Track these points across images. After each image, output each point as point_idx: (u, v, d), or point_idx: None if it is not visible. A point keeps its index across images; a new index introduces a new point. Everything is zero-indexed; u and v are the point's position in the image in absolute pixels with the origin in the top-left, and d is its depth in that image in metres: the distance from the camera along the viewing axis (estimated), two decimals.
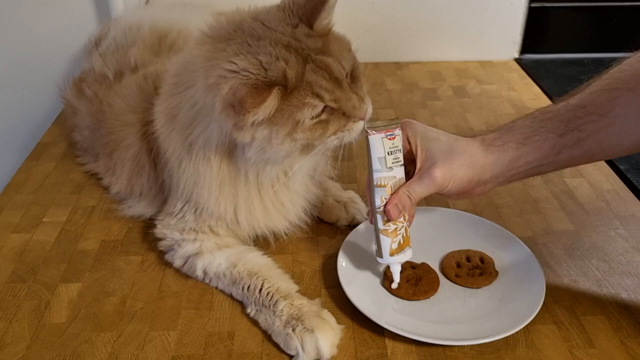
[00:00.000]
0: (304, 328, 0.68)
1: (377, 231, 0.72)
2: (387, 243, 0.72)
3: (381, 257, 0.73)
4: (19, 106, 1.39)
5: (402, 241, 0.72)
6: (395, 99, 1.31)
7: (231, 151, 0.75)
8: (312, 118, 0.68)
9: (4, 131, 1.40)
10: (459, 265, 0.79)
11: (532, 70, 1.44)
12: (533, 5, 1.45)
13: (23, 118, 1.39)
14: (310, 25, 0.70)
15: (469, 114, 1.24)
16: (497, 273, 0.78)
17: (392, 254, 0.72)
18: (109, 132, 0.93)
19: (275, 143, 0.69)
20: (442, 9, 1.43)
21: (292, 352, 0.68)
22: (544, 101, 1.29)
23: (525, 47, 1.51)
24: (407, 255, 0.73)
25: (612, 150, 0.74)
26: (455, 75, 1.42)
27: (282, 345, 0.69)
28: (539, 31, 1.49)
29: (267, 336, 0.71)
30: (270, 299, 0.72)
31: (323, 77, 0.68)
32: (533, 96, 1.32)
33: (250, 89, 0.64)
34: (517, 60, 1.50)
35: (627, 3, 1.47)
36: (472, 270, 0.78)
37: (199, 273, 0.78)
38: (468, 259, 0.80)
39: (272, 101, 0.65)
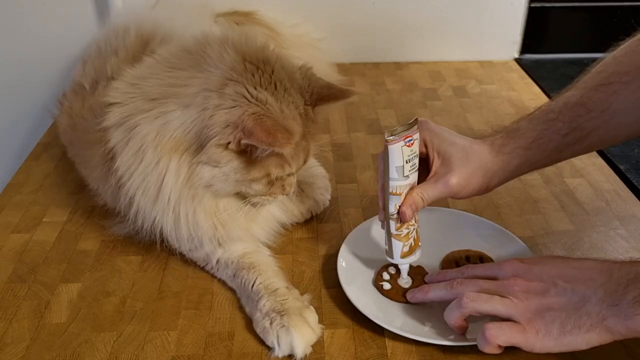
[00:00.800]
0: (281, 324, 0.68)
1: (389, 235, 0.73)
2: (399, 247, 0.73)
3: (392, 258, 0.74)
4: (19, 106, 1.38)
5: (413, 244, 0.74)
6: (395, 99, 1.31)
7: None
8: (275, 177, 0.73)
9: (4, 131, 1.40)
10: (458, 265, 0.79)
11: (532, 70, 1.44)
12: (533, 5, 1.45)
13: (23, 118, 1.38)
14: (313, 106, 0.75)
15: (469, 114, 1.24)
16: None
17: (403, 256, 0.74)
18: (84, 148, 0.89)
19: (239, 178, 0.71)
20: (442, 9, 1.43)
21: (269, 344, 0.68)
22: (544, 101, 1.28)
23: (525, 47, 1.51)
24: (416, 256, 0.75)
25: (610, 142, 0.78)
26: (455, 75, 1.42)
27: (260, 336, 0.70)
28: (539, 31, 1.49)
29: None
30: (257, 294, 0.73)
31: (302, 156, 0.76)
32: (533, 96, 1.32)
33: (275, 123, 0.67)
34: (517, 60, 1.50)
35: (627, 3, 1.47)
36: None
37: (214, 262, 0.79)
38: (467, 259, 0.80)
39: (292, 145, 0.68)
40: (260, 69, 0.72)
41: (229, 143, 0.69)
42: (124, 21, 1.05)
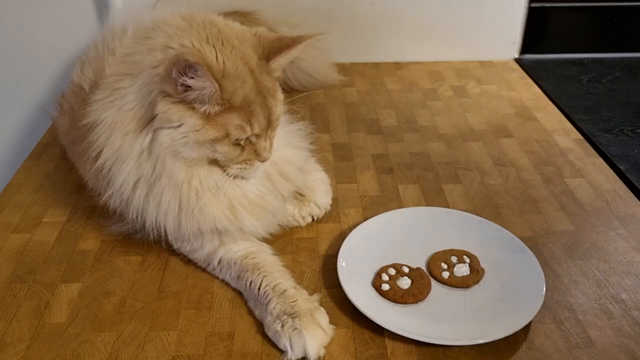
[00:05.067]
0: (293, 327, 0.68)
1: None
2: None
3: None
4: (19, 106, 1.39)
5: None
6: (395, 99, 1.31)
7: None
8: (237, 139, 0.72)
9: (4, 131, 1.40)
10: (446, 264, 0.79)
11: (532, 70, 1.44)
12: (533, 5, 1.45)
13: (23, 118, 1.39)
14: (267, 60, 0.74)
15: (469, 114, 1.24)
16: (483, 271, 0.78)
17: None
18: (87, 147, 0.87)
19: (198, 138, 0.70)
20: (442, 9, 1.43)
21: (281, 348, 0.68)
22: (544, 101, 1.29)
23: (525, 47, 1.51)
24: None
25: None
26: (455, 75, 1.42)
27: (272, 339, 0.69)
28: (539, 31, 1.49)
29: (267, 337, 0.71)
30: (266, 297, 0.72)
31: (263, 114, 0.73)
32: (533, 96, 1.32)
33: (205, 62, 0.66)
34: (517, 60, 1.50)
35: (627, 3, 1.47)
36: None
37: (215, 262, 0.79)
38: (454, 258, 0.80)
39: (210, 76, 0.66)
40: (207, 28, 0.72)
41: (168, 91, 0.68)
42: (123, 21, 1.05)
